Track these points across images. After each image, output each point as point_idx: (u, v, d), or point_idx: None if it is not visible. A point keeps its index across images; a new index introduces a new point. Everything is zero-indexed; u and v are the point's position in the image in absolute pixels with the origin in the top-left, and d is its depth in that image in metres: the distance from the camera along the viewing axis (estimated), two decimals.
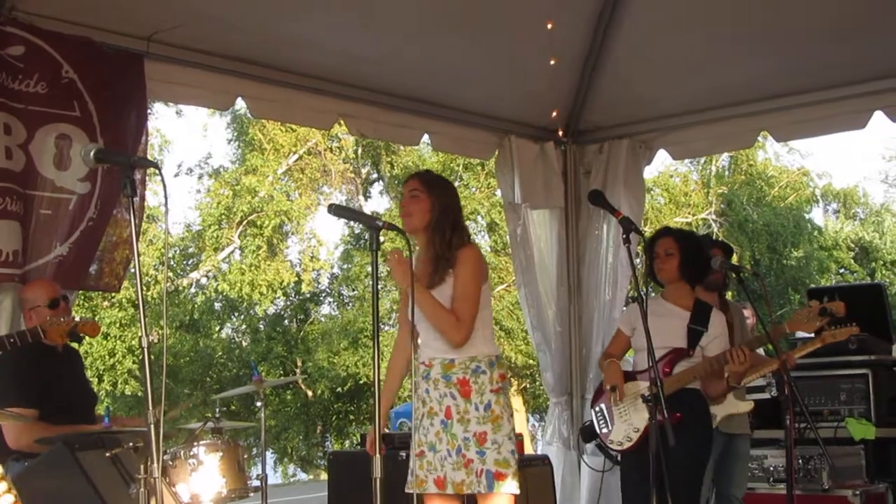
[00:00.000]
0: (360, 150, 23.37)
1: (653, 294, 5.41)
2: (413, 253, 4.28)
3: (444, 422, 4.38)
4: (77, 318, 4.67)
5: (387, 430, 8.05)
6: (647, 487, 4.54)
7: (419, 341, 4.52)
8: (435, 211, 4.46)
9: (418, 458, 4.41)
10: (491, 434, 4.33)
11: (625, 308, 7.15)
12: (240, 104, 6.34)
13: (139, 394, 20.08)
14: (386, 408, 4.76)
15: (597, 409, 5.38)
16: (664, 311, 5.18)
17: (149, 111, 5.87)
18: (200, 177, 23.44)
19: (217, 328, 24.37)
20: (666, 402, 4.71)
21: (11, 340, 4.45)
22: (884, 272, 27.67)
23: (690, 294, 5.30)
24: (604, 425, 5.32)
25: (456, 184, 23.01)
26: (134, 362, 20.16)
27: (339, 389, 23.00)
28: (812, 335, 5.67)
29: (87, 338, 5.10)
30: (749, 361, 5.17)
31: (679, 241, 5.26)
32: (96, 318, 19.46)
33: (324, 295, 25.06)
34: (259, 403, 6.04)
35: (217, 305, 23.92)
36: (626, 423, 5.20)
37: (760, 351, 6.60)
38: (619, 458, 5.51)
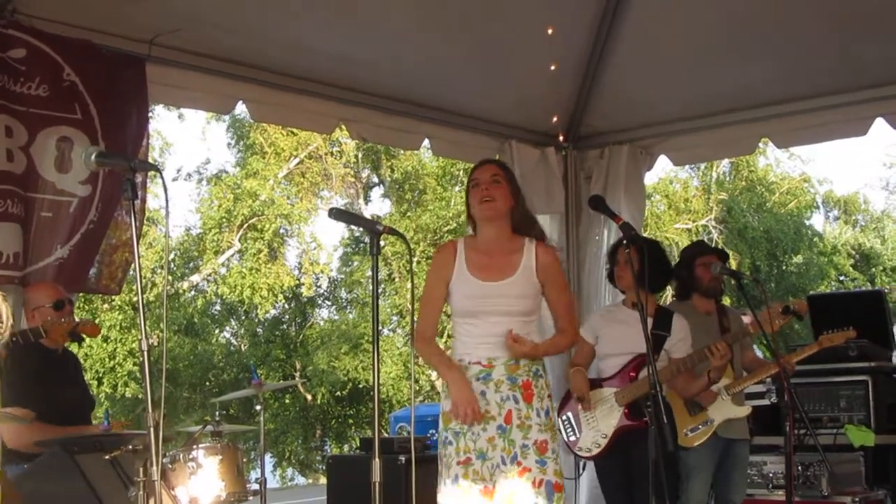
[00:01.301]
0: (360, 155, 23.39)
1: (617, 301, 5.45)
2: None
3: (501, 427, 4.21)
4: (77, 319, 4.67)
5: (385, 435, 8.05)
6: (625, 489, 4.57)
7: (464, 338, 4.36)
8: (517, 199, 4.41)
9: (463, 465, 4.21)
10: (551, 443, 4.22)
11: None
12: (240, 108, 6.35)
13: (139, 396, 20.07)
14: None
15: (563, 417, 5.41)
16: (626, 317, 5.23)
17: (150, 114, 5.87)
18: (200, 181, 23.48)
19: (216, 332, 24.36)
20: (633, 407, 4.77)
21: (14, 339, 4.45)
22: (884, 279, 27.67)
23: (651, 301, 5.33)
24: (571, 433, 5.37)
25: (456, 189, 23.21)
26: (134, 365, 20.15)
27: (338, 393, 22.99)
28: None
29: (87, 340, 5.11)
30: (728, 355, 5.21)
31: (639, 249, 5.26)
32: (96, 321, 19.49)
33: (322, 298, 25.07)
34: (258, 407, 6.05)
35: (216, 309, 23.93)
36: (594, 430, 5.27)
37: (759, 355, 6.61)
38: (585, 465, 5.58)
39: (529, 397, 4.24)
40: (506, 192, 4.37)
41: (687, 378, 5.33)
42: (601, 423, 5.24)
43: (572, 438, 5.36)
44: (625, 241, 4.55)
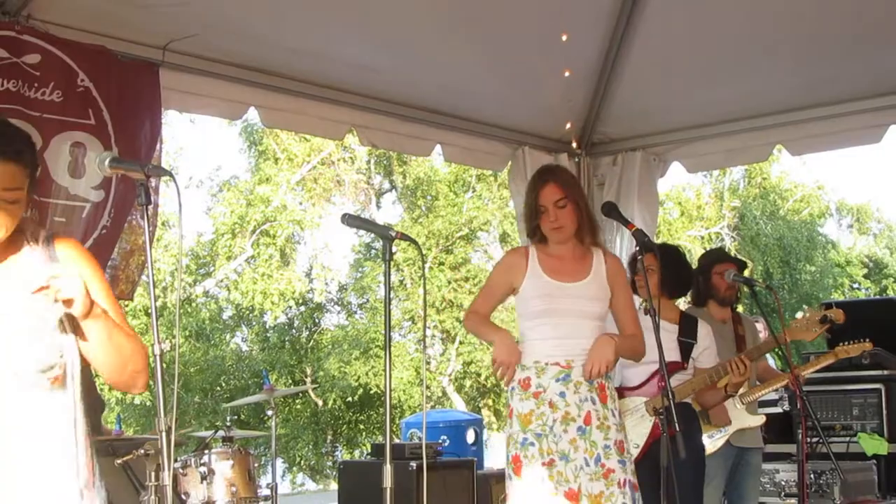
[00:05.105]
0: (372, 161, 23.41)
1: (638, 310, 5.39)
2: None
3: (581, 428, 4.23)
4: None
5: (397, 441, 8.04)
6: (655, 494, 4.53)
7: (537, 341, 4.36)
8: (580, 211, 4.42)
9: (547, 466, 4.20)
10: (625, 443, 4.30)
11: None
12: (251, 114, 6.35)
13: (148, 403, 20.09)
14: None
15: None
16: (649, 325, 5.16)
17: (163, 119, 5.89)
18: (211, 188, 23.52)
19: (228, 337, 24.37)
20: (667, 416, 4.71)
21: None
22: None
23: (674, 308, 5.32)
24: None
25: (468, 195, 23.22)
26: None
27: (349, 399, 22.99)
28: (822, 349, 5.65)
29: None
30: (749, 372, 5.18)
31: (659, 257, 5.24)
32: None
33: (333, 304, 25.08)
34: (270, 412, 6.05)
35: (227, 314, 23.94)
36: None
37: (773, 364, 6.59)
38: None
39: (604, 398, 4.30)
40: (572, 213, 4.40)
41: (708, 389, 5.29)
42: (632, 432, 5.07)
43: None
44: (637, 248, 4.54)
